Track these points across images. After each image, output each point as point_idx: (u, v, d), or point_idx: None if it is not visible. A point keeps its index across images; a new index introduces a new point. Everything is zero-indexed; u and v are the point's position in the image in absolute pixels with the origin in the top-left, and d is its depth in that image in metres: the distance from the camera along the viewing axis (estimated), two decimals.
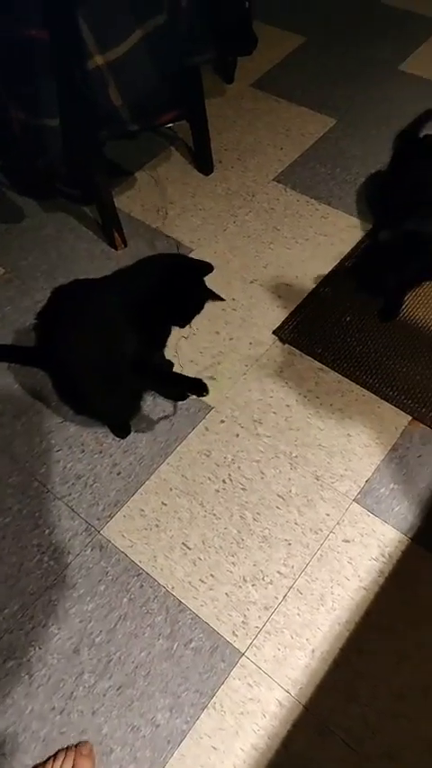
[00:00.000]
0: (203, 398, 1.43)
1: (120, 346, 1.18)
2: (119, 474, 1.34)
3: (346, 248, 1.68)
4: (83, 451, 1.38)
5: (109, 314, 1.19)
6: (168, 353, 1.52)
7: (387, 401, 1.39)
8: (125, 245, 1.76)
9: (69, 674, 1.11)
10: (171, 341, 1.53)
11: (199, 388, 1.19)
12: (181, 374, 1.31)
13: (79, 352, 1.18)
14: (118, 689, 1.09)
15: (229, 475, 1.33)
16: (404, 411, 1.38)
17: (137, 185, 1.91)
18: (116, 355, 1.18)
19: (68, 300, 1.25)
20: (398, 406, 1.38)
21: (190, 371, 1.48)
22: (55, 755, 1.01)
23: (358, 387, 1.43)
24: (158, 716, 1.07)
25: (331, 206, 1.79)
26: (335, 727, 1.04)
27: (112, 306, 1.19)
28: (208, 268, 1.25)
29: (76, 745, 1.02)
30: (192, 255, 1.70)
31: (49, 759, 1.01)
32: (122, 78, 1.29)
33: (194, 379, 1.20)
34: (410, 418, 1.37)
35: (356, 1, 2.46)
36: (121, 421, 1.39)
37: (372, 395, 1.41)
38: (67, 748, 1.02)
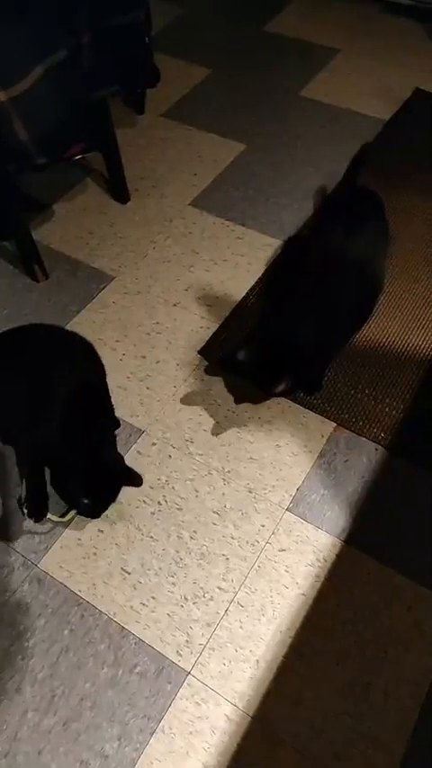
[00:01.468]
0: (134, 423, 1.44)
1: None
2: (57, 503, 1.32)
3: (262, 266, 1.74)
4: (16, 485, 1.35)
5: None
6: None
7: (311, 410, 1.44)
8: (46, 277, 1.76)
9: (12, 714, 1.08)
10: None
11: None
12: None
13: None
14: (63, 724, 1.07)
15: (164, 496, 1.34)
16: (328, 418, 1.43)
17: (55, 217, 1.92)
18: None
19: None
20: (322, 414, 1.43)
21: (120, 396, 1.49)
22: None
23: (284, 399, 1.47)
24: (107, 746, 1.05)
25: (246, 226, 1.85)
26: (283, 734, 1.05)
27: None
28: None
29: None
30: (114, 283, 1.73)
31: None
32: (27, 113, 1.31)
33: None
34: (335, 425, 1.42)
35: (255, 33, 2.58)
36: None
37: (297, 405, 1.46)
38: None
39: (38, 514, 1.23)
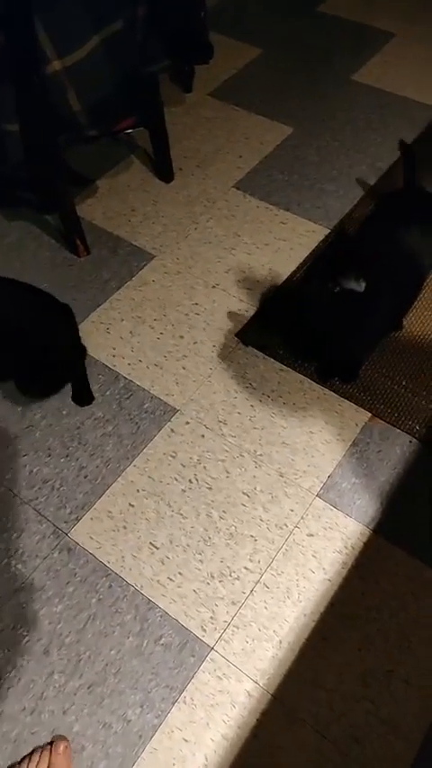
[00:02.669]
0: (168, 401, 1.46)
1: None
2: (86, 477, 1.35)
3: (304, 252, 1.73)
4: (49, 455, 1.38)
5: None
6: (134, 358, 1.54)
7: (347, 399, 1.44)
8: (88, 253, 1.77)
9: (39, 674, 1.12)
10: (136, 345, 1.56)
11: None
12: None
13: None
14: (88, 687, 1.10)
15: (195, 475, 1.35)
16: (364, 408, 1.42)
17: (98, 193, 1.93)
18: None
19: None
20: (358, 404, 1.43)
21: (156, 375, 1.51)
22: (30, 755, 1.02)
23: (319, 386, 1.47)
24: (129, 712, 1.08)
25: (290, 212, 1.83)
26: (303, 714, 1.07)
27: None
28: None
29: (51, 744, 1.03)
30: (154, 262, 1.74)
31: (24, 758, 1.01)
32: (80, 83, 1.31)
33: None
34: (370, 415, 1.42)
35: (309, 13, 2.54)
36: None
37: (332, 393, 1.45)
38: (42, 747, 1.02)
39: None
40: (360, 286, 1.11)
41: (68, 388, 1.47)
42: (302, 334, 1.51)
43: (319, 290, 1.14)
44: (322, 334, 1.32)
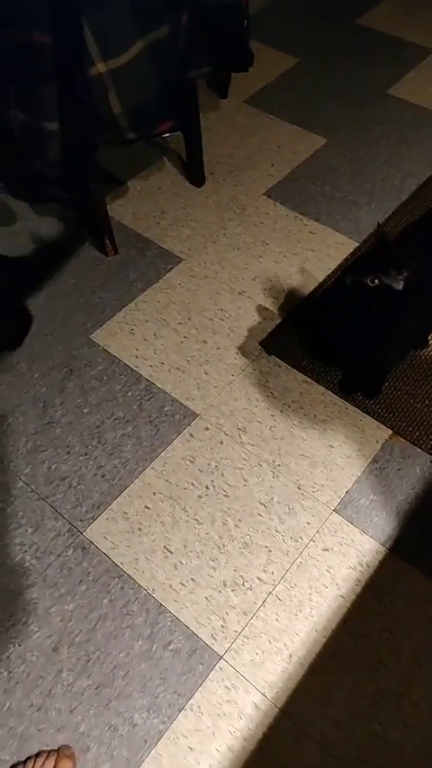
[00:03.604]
0: (189, 406, 1.46)
1: None
2: (103, 476, 1.36)
3: (333, 264, 1.73)
4: (68, 453, 1.39)
5: None
6: (156, 360, 1.54)
7: (369, 415, 1.43)
8: (116, 253, 1.78)
9: (48, 671, 1.12)
10: (159, 347, 1.56)
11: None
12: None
13: None
14: (96, 688, 1.10)
15: (212, 481, 1.35)
16: (385, 425, 1.42)
17: (129, 194, 1.94)
18: None
19: None
20: (379, 420, 1.42)
21: (178, 378, 1.51)
22: (37, 755, 1.02)
23: (341, 400, 1.46)
24: (136, 716, 1.08)
25: (320, 222, 1.83)
26: (310, 730, 1.06)
27: None
28: None
29: (57, 750, 1.03)
30: (181, 265, 1.74)
31: (29, 758, 1.01)
32: (123, 86, 1.32)
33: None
34: (391, 432, 1.41)
35: (347, 25, 2.53)
36: None
37: (354, 408, 1.45)
38: (48, 751, 1.02)
39: None
40: (399, 284, 1.10)
41: (84, 382, 1.48)
42: (330, 336, 1.49)
43: (357, 284, 1.13)
44: (352, 334, 1.30)
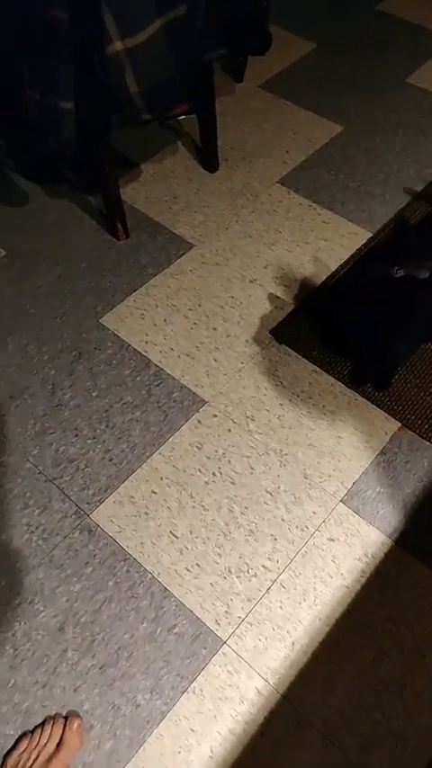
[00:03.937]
0: (197, 392, 1.46)
1: None
2: (111, 460, 1.36)
3: (345, 254, 1.71)
4: (76, 436, 1.39)
5: None
6: (166, 346, 1.54)
7: (378, 406, 1.43)
8: (127, 237, 1.77)
9: (53, 650, 1.13)
10: (169, 333, 1.56)
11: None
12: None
13: None
14: (100, 668, 1.11)
15: (220, 468, 1.35)
16: (394, 417, 1.41)
17: (142, 177, 1.92)
18: None
19: None
20: (388, 412, 1.42)
21: (187, 365, 1.50)
22: (42, 725, 1.03)
23: (351, 391, 1.46)
24: (139, 696, 1.09)
25: (333, 211, 1.82)
26: (312, 717, 1.07)
27: None
28: None
29: (65, 718, 1.04)
30: (193, 251, 1.73)
31: (36, 728, 1.03)
32: (139, 66, 1.30)
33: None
34: (400, 424, 1.41)
35: (367, 11, 2.50)
36: None
37: (364, 399, 1.44)
38: (54, 718, 1.04)
39: None
40: (424, 273, 1.10)
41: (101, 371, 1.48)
42: (342, 326, 1.49)
43: (381, 273, 1.13)
44: (366, 323, 1.30)
